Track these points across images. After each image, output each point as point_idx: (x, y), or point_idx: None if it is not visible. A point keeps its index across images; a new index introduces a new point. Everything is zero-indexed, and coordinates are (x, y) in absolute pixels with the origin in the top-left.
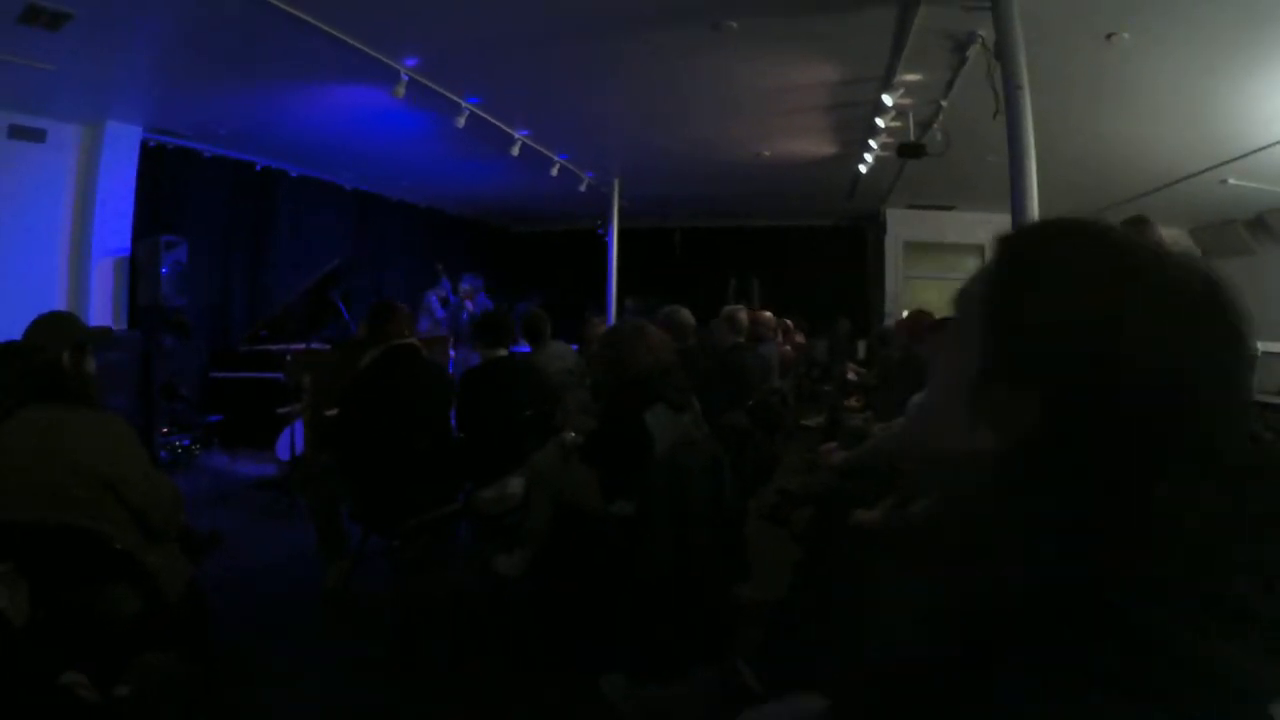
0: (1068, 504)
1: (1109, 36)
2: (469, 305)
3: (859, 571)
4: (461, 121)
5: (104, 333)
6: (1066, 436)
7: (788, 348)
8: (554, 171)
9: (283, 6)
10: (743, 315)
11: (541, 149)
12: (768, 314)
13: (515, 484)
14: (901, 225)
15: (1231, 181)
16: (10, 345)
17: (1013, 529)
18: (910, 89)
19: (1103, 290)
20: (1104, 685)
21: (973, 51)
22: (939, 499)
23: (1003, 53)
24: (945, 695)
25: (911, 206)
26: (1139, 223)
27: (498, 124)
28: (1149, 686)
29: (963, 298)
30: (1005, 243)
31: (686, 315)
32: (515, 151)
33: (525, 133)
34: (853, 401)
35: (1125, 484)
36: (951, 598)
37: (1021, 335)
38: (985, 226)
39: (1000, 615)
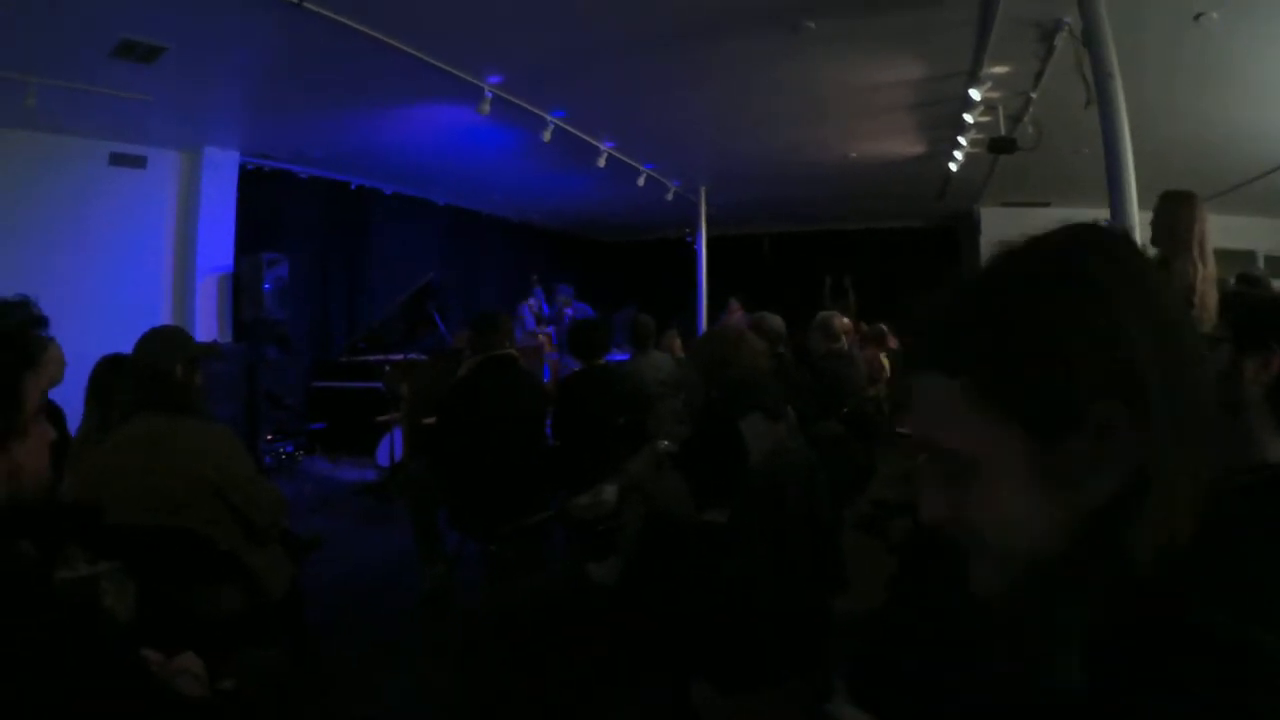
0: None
1: (1197, 17)
2: (568, 312)
3: (955, 588)
4: (547, 135)
5: (213, 348)
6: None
7: (883, 354)
8: (640, 181)
9: (367, 31)
10: (837, 322)
11: (627, 160)
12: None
13: (609, 491)
14: (995, 224)
15: None
16: (124, 358)
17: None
18: (998, 81)
19: (1085, 307)
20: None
21: (1060, 39)
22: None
23: (1091, 39)
24: None
25: (1005, 205)
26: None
27: (583, 136)
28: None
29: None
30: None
31: (777, 321)
32: (601, 163)
33: (610, 144)
34: None
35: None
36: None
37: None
38: None
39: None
